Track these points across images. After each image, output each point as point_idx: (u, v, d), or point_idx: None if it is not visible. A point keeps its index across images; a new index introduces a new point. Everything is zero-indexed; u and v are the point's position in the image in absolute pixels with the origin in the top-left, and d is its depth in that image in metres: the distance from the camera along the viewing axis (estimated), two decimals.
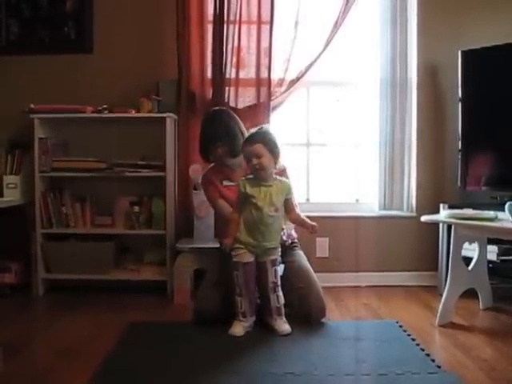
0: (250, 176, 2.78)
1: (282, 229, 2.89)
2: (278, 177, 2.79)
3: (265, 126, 2.85)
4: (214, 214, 3.32)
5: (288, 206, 2.79)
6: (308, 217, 3.09)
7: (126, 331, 2.78)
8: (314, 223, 2.83)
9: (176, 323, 2.96)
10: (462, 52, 3.52)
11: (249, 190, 2.72)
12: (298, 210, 2.90)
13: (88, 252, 3.57)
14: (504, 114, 3.40)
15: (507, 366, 2.35)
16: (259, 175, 2.73)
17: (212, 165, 3.22)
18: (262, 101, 3.60)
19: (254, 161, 2.70)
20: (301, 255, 3.09)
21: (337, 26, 3.63)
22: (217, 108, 3.29)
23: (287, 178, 3.07)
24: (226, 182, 3.05)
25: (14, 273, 3.60)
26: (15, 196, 3.53)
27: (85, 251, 3.57)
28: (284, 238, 2.93)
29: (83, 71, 3.76)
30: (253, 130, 2.80)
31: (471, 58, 3.50)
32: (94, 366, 2.31)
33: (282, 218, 2.81)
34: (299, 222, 2.87)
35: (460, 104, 3.55)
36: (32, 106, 3.50)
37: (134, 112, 3.53)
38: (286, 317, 2.78)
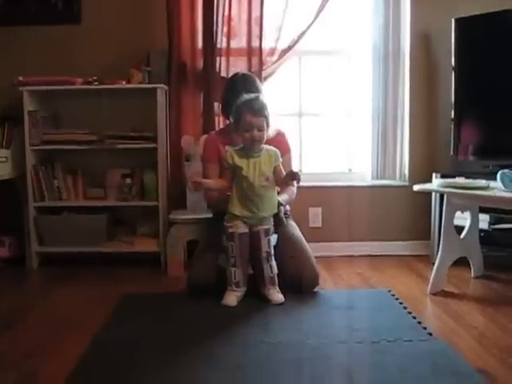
0: (237, 147, 2.78)
1: (282, 204, 2.88)
2: (264, 146, 2.77)
3: (260, 96, 2.82)
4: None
5: (277, 173, 2.77)
6: (301, 187, 3.10)
7: (121, 303, 2.80)
8: (293, 170, 2.75)
9: (170, 294, 2.97)
10: (456, 20, 3.48)
11: (237, 160, 2.71)
12: (293, 187, 2.96)
13: (81, 225, 3.57)
14: (497, 82, 3.38)
15: (498, 333, 2.38)
16: (253, 147, 2.72)
17: (221, 127, 3.32)
18: (253, 70, 3.56)
19: (256, 133, 2.68)
20: (293, 225, 3.10)
21: None
22: (245, 72, 3.34)
23: (287, 142, 3.09)
24: (228, 148, 3.01)
25: (8, 246, 3.61)
26: (6, 170, 3.49)
27: (78, 224, 3.57)
28: (281, 214, 2.91)
29: (72, 42, 3.69)
30: (248, 97, 2.76)
31: (465, 26, 3.46)
32: (90, 336, 2.33)
33: (274, 185, 2.80)
34: (284, 182, 2.83)
35: (453, 73, 3.53)
36: (21, 78, 3.45)
37: (124, 83, 3.49)
38: (279, 286, 2.79)
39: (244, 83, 3.06)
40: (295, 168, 2.79)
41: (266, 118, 2.72)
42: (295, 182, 2.77)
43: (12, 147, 3.55)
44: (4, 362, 2.14)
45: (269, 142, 2.82)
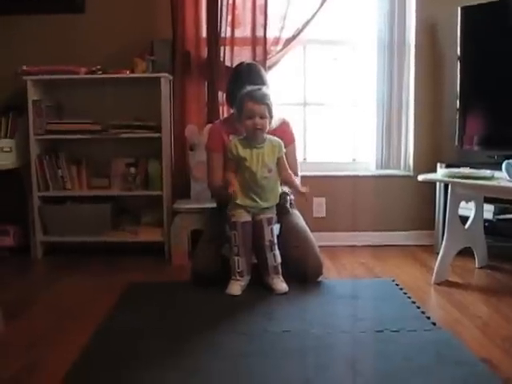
0: (241, 137, 2.78)
1: (287, 194, 2.88)
2: (268, 136, 2.77)
3: (263, 87, 2.82)
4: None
5: (280, 165, 2.77)
6: (305, 176, 3.11)
7: (125, 292, 2.81)
8: (304, 189, 2.78)
9: (174, 283, 2.98)
10: (462, 8, 3.45)
11: (241, 151, 2.71)
12: (297, 171, 2.96)
13: (85, 214, 3.57)
14: (504, 72, 3.35)
15: (501, 323, 2.38)
16: (256, 136, 2.72)
17: (225, 116, 3.34)
18: (257, 60, 3.54)
19: (258, 120, 2.68)
20: (297, 215, 3.09)
21: None
22: (250, 61, 3.31)
23: (291, 131, 3.08)
24: (232, 137, 3.01)
25: (12, 236, 3.61)
26: (10, 160, 3.49)
27: (82, 213, 3.58)
28: (287, 204, 2.91)
29: (75, 31, 3.68)
30: (251, 88, 2.76)
31: (471, 15, 3.43)
32: (94, 326, 2.34)
33: (277, 176, 2.79)
34: (290, 183, 2.85)
35: (459, 62, 3.51)
36: (24, 67, 3.45)
37: (128, 72, 3.48)
38: (282, 276, 2.80)
39: (249, 73, 3.05)
40: (303, 188, 2.81)
41: (269, 106, 2.72)
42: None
43: (16, 137, 3.54)
44: (8, 351, 2.15)
45: (273, 132, 2.82)
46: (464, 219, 3.09)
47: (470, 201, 3.12)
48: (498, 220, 3.35)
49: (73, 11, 3.68)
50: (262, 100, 2.71)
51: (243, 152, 2.71)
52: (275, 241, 2.78)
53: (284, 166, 2.79)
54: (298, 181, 3.05)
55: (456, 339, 2.18)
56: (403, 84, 3.79)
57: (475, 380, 1.86)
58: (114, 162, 3.65)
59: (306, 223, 3.07)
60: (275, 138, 2.79)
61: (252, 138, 2.73)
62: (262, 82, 3.00)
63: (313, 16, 3.59)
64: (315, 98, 3.98)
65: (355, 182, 3.84)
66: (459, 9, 3.45)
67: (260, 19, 3.57)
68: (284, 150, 2.78)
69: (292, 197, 3.13)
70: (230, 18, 3.58)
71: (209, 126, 3.32)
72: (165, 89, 3.52)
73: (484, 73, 3.45)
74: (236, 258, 2.75)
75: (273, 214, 2.80)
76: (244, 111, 2.72)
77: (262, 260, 2.80)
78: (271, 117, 2.75)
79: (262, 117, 2.69)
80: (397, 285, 2.89)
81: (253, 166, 2.69)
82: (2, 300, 2.58)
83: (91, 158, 3.71)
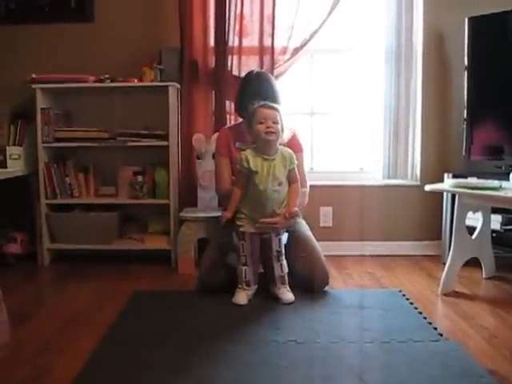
0: (252, 147, 2.75)
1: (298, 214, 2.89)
2: (280, 147, 2.75)
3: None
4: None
5: (291, 177, 2.75)
6: (312, 186, 3.11)
7: (131, 300, 2.81)
8: (293, 211, 2.74)
9: (180, 292, 2.98)
10: (469, 19, 3.46)
11: (252, 164, 2.67)
12: (304, 182, 2.94)
13: (92, 222, 3.58)
14: (510, 82, 3.35)
15: (508, 334, 2.37)
16: (268, 142, 2.68)
17: (233, 123, 3.35)
18: (265, 69, 3.54)
19: (270, 123, 2.66)
20: (303, 224, 3.09)
21: None
22: (260, 70, 3.33)
23: (298, 142, 3.07)
24: (238, 144, 3.01)
25: (20, 243, 3.62)
26: (19, 167, 3.52)
27: (89, 221, 3.59)
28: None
29: (85, 40, 3.72)
30: (264, 102, 2.77)
31: (478, 25, 3.43)
32: (100, 333, 2.35)
33: (286, 188, 2.77)
34: (288, 199, 2.78)
35: (466, 72, 3.51)
36: (34, 75, 3.48)
37: (136, 81, 3.51)
38: (289, 285, 2.80)
39: (258, 81, 3.06)
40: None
41: (280, 114, 2.71)
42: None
43: (25, 144, 3.57)
44: (16, 357, 2.16)
45: (285, 145, 2.81)
46: (471, 229, 3.08)
47: (478, 211, 3.11)
48: (506, 230, 3.34)
49: (82, 21, 3.72)
50: (272, 106, 2.72)
51: (254, 165, 2.67)
52: (283, 251, 2.78)
53: (294, 177, 2.76)
54: (306, 192, 3.03)
55: (463, 350, 2.17)
56: (410, 94, 3.80)
57: None
58: (122, 170, 3.67)
59: (313, 233, 3.07)
60: (287, 149, 2.77)
61: (264, 147, 2.70)
62: (272, 91, 3.01)
63: (320, 26, 3.60)
64: (322, 107, 3.99)
65: (362, 191, 3.84)
66: (466, 19, 3.45)
67: (268, 29, 3.59)
68: (296, 162, 2.75)
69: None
70: (237, 27, 3.59)
71: (216, 134, 3.33)
72: (172, 97, 3.54)
73: (491, 83, 3.45)
74: (243, 267, 2.75)
75: None
76: (255, 117, 2.69)
77: (268, 270, 2.80)
78: (282, 129, 2.73)
79: (275, 122, 2.68)
80: (403, 295, 2.88)
81: (263, 179, 2.67)
82: (8, 307, 2.58)
83: (99, 166, 3.73)
